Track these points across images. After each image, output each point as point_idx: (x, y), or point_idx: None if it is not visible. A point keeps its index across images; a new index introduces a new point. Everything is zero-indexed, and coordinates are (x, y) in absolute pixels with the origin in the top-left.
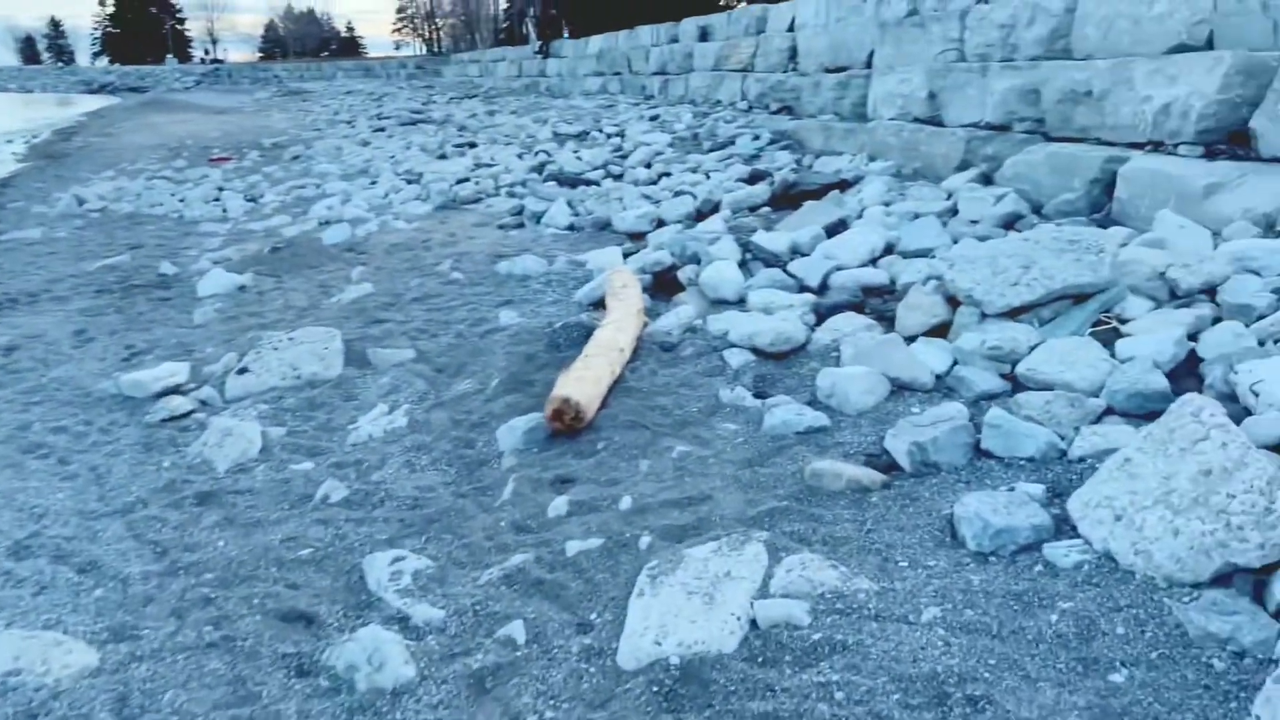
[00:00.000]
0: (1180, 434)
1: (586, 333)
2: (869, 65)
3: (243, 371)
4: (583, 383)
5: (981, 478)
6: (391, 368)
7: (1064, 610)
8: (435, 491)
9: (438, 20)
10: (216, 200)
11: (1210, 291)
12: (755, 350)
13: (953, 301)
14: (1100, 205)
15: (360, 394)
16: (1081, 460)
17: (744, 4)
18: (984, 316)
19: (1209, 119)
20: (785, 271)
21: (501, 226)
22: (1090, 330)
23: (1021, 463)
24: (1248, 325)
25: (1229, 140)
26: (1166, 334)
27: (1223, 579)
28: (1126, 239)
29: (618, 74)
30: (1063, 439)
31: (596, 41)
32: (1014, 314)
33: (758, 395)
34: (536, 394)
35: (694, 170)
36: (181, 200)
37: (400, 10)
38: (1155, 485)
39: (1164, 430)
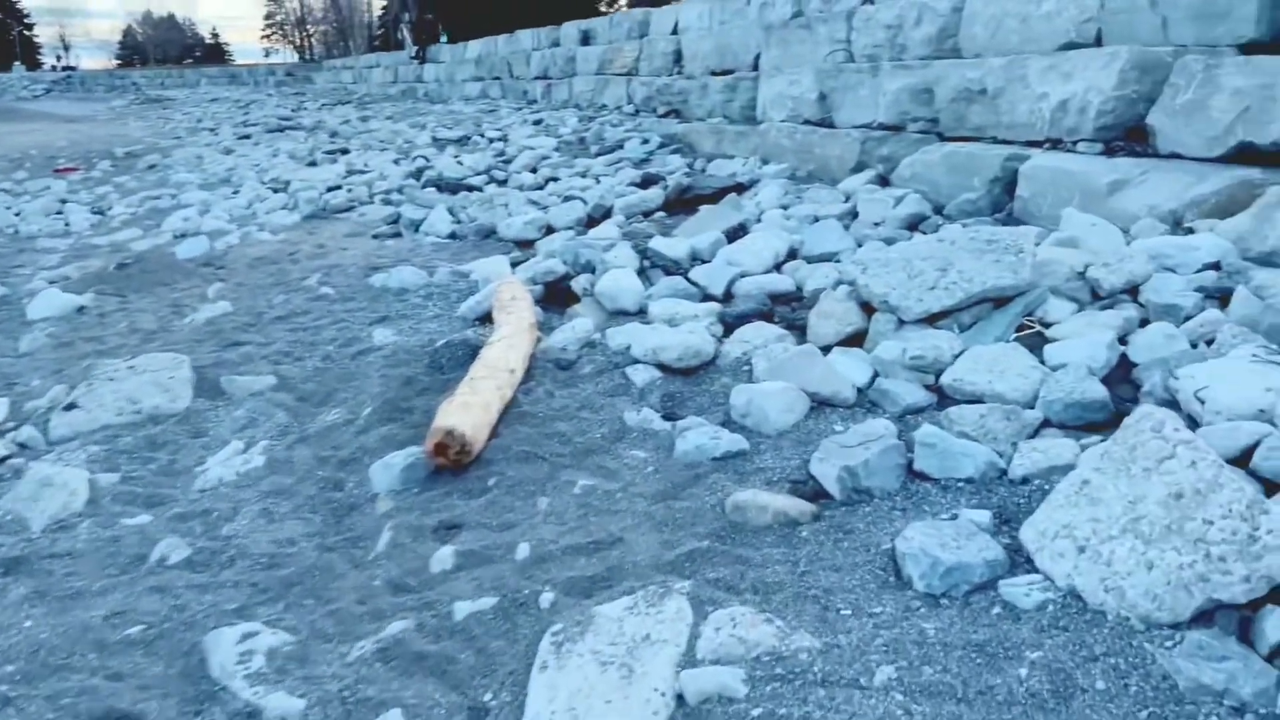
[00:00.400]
0: (1142, 452)
1: (472, 351)
2: (756, 67)
3: (70, 407)
4: (469, 410)
5: (919, 504)
6: (249, 397)
7: (1034, 662)
8: (297, 545)
9: (309, 27)
10: (59, 214)
11: (1133, 291)
12: (661, 366)
13: (867, 308)
14: (1001, 205)
15: (211, 429)
16: (1025, 481)
17: (624, 7)
18: (901, 323)
19: (1107, 115)
20: (687, 279)
21: (376, 236)
22: (1014, 335)
23: (960, 485)
24: (1177, 326)
25: (1127, 137)
26: (1097, 338)
27: (1203, 616)
28: (1039, 238)
29: (498, 79)
30: (1001, 456)
31: (475, 46)
32: (933, 320)
33: (667, 417)
34: (416, 423)
35: (583, 175)
36: (17, 214)
37: (269, 17)
38: (1120, 511)
39: (1123, 448)
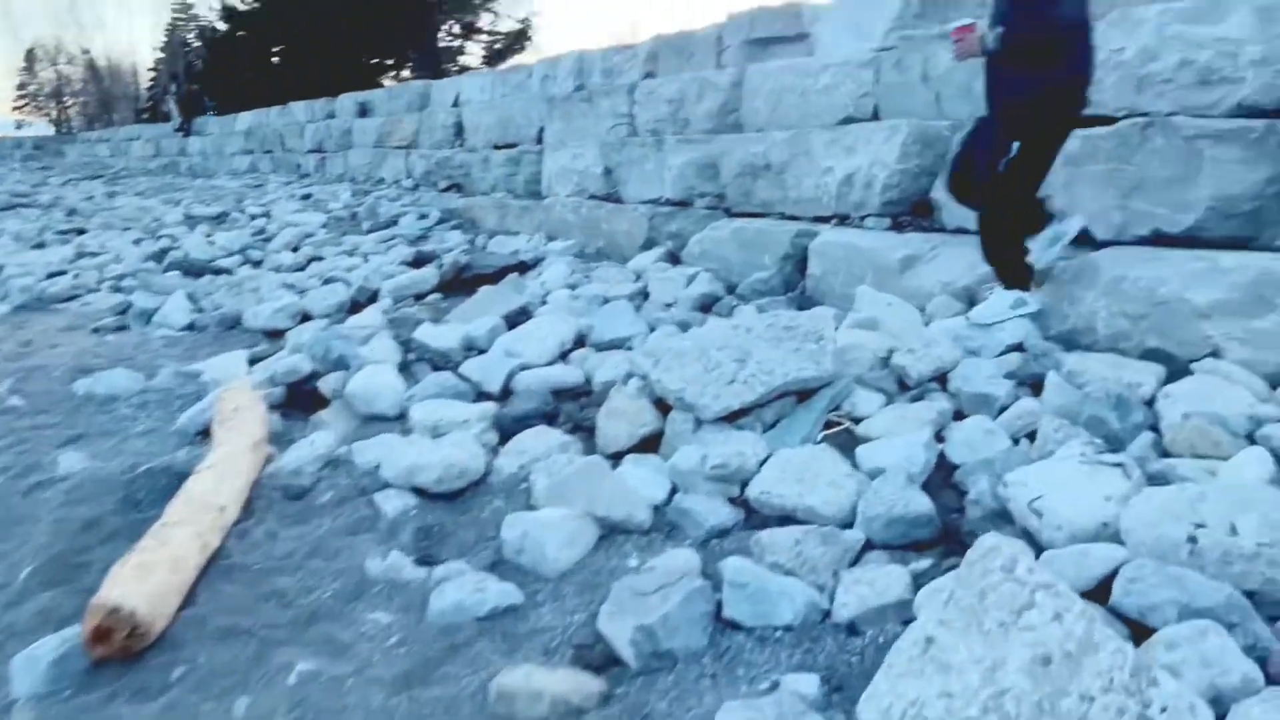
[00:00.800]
0: (995, 599)
1: (181, 479)
2: (540, 141)
3: None
4: (147, 574)
5: (731, 666)
6: None
7: None
8: None
9: (67, 98)
10: None
11: (942, 379)
12: (419, 490)
13: (662, 406)
14: (794, 283)
15: None
16: (854, 629)
17: (407, 79)
18: (699, 423)
19: (893, 190)
20: (458, 375)
21: (98, 329)
22: (822, 434)
23: (778, 635)
24: (993, 418)
25: (914, 211)
26: (913, 437)
27: None
28: (837, 320)
29: (269, 152)
30: (822, 591)
31: (245, 118)
32: (734, 417)
33: (422, 561)
34: (91, 587)
35: (351, 253)
36: None
37: (21, 87)
38: (978, 682)
39: (971, 594)
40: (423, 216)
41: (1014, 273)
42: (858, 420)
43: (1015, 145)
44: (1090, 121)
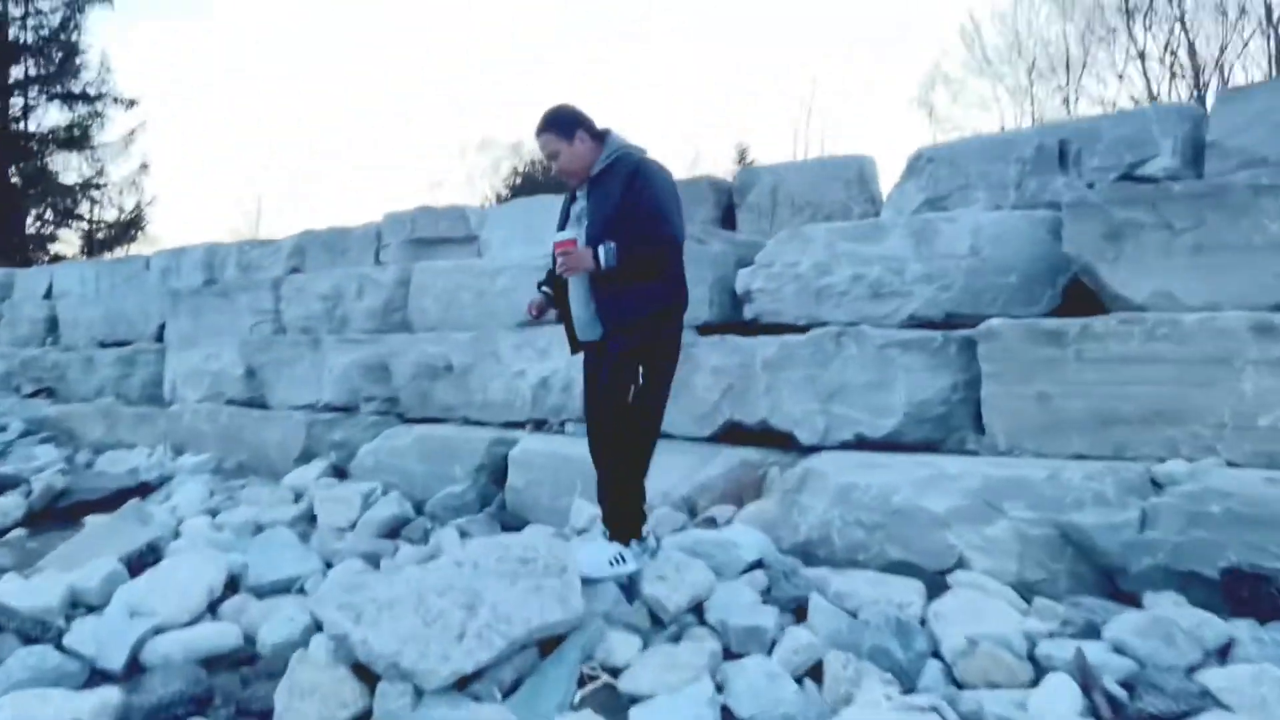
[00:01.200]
0: None
1: None
2: (161, 339)
3: None
4: None
5: None
6: None
7: None
8: None
9: None
10: None
11: (698, 609)
12: None
13: (366, 675)
14: (491, 497)
15: None
16: None
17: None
18: (420, 694)
19: None
20: (61, 649)
21: None
22: (579, 695)
23: None
24: (767, 654)
25: None
26: (692, 691)
27: None
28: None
29: None
30: None
31: None
32: (464, 683)
33: None
34: None
35: None
36: None
37: None
38: None
39: None
40: (1, 429)
41: (632, 522)
42: (615, 671)
43: (642, 370)
44: (779, 329)
